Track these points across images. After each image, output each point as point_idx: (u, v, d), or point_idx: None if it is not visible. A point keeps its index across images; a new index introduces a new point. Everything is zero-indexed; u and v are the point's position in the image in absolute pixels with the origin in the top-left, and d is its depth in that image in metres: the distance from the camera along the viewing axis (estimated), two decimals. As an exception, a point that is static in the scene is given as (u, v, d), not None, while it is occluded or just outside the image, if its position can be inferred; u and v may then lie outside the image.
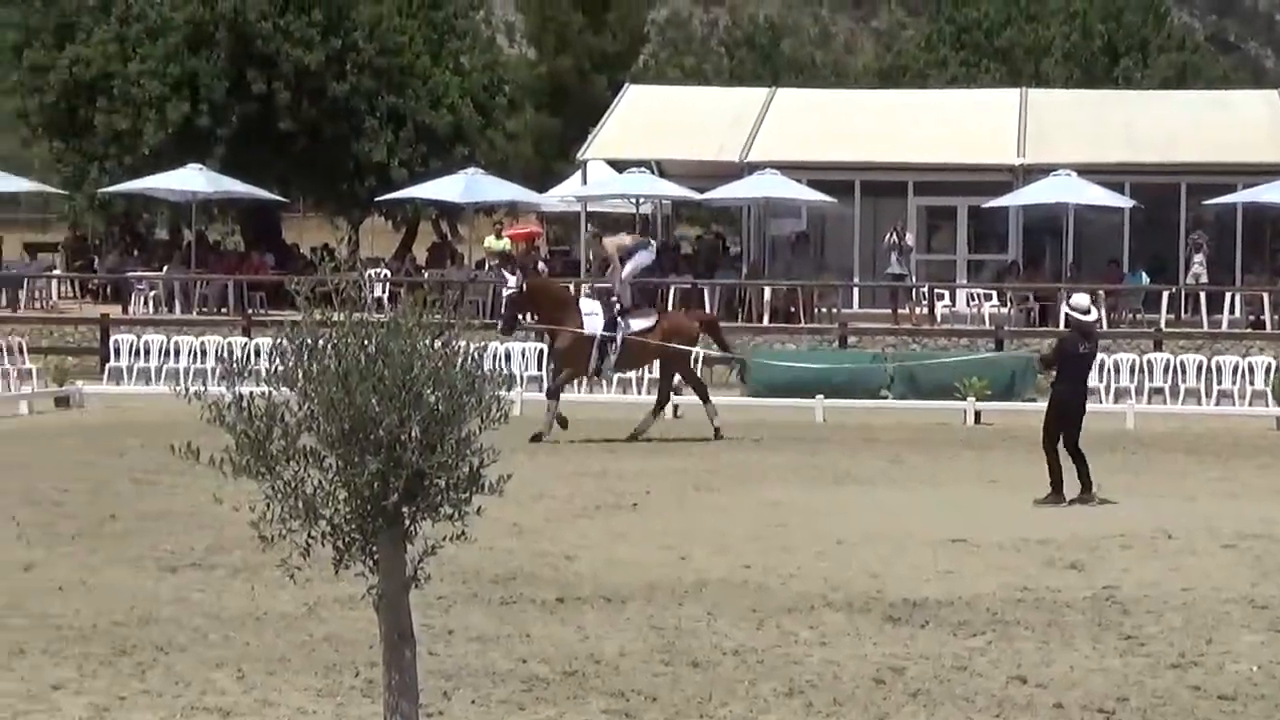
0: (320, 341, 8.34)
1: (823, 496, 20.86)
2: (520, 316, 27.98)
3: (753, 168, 43.99)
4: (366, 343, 8.30)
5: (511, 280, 27.91)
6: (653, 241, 33.01)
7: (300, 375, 8.34)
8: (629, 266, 29.02)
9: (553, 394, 27.27)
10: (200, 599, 13.57)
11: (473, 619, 12.89)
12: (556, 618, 13.07)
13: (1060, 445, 20.06)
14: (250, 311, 42.76)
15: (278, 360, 8.49)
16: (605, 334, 27.33)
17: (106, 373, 36.86)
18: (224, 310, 44.18)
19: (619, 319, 27.66)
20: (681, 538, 17.17)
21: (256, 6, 51.55)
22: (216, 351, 36.00)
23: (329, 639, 12.16)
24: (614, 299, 28.26)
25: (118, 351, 37.32)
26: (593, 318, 27.42)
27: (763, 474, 23.13)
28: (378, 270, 45.21)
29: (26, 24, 55.35)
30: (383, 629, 8.79)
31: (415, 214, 58.26)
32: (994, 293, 42.35)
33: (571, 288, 34.03)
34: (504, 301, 28.19)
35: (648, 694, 10.84)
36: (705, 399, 28.21)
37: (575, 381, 30.09)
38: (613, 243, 30.89)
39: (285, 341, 8.50)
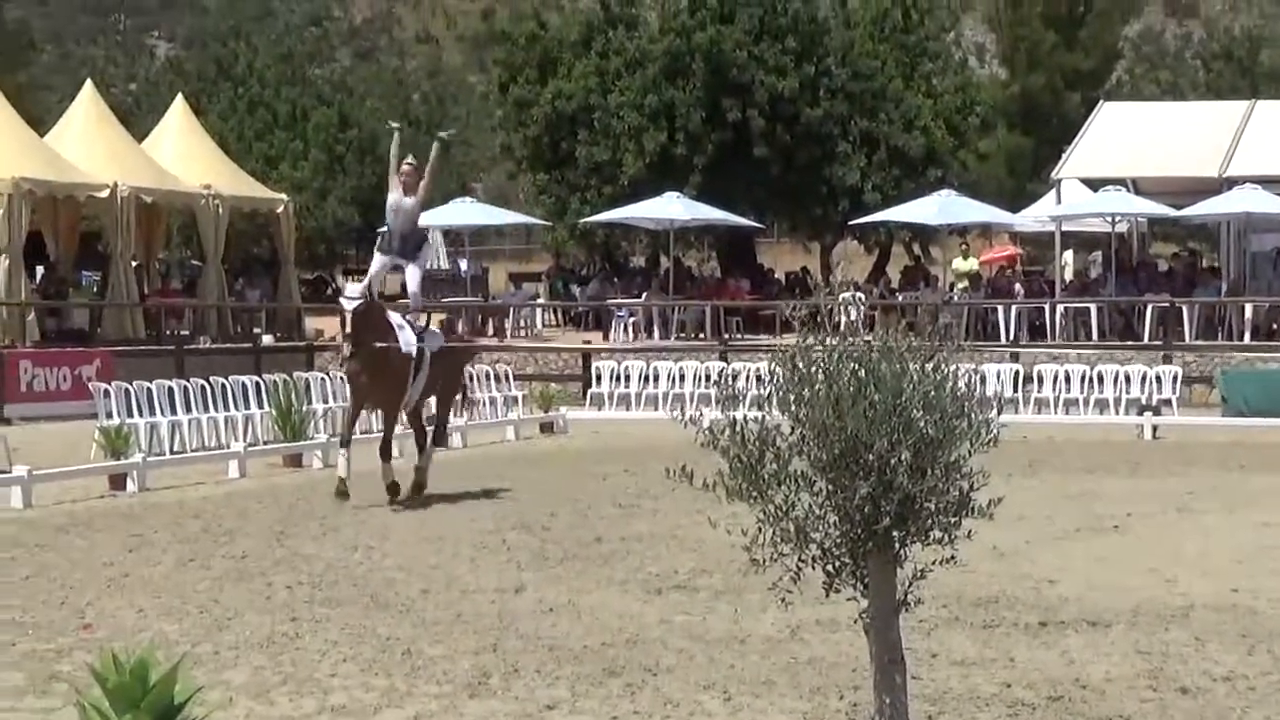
0: (812, 366, 8.51)
1: (1313, 520, 20.27)
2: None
3: (1232, 183, 42.99)
4: (857, 367, 8.44)
5: None
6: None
7: (792, 400, 8.53)
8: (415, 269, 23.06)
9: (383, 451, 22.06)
10: (684, 621, 13.75)
11: (955, 642, 12.88)
12: (1040, 641, 12.99)
13: None
14: (727, 336, 43.40)
15: (770, 385, 8.69)
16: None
17: (589, 398, 37.84)
18: (701, 335, 44.92)
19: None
20: (1165, 560, 16.90)
21: (732, 36, 52.35)
22: (695, 376, 36.71)
23: (812, 662, 12.27)
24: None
25: (599, 377, 38.29)
26: (402, 331, 22.07)
27: (1247, 496, 22.59)
28: (853, 293, 45.38)
29: (511, 62, 57.24)
30: (873, 652, 8.89)
31: (888, 236, 58.37)
32: None
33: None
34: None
35: (1136, 720, 10.75)
36: (423, 446, 22.89)
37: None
38: None
39: (777, 366, 8.70)
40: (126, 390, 27.66)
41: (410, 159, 22.75)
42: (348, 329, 20.86)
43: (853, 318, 10.34)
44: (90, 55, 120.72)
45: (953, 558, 8.70)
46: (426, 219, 55.65)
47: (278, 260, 49.04)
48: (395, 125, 23.66)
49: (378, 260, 22.71)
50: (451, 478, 24.10)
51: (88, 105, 45.37)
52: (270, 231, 50.13)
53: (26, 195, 39.67)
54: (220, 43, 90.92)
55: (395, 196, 22.33)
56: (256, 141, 71.55)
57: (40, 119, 54.70)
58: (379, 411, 23.51)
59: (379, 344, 21.33)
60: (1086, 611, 14.12)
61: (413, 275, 22.82)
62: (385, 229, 22.52)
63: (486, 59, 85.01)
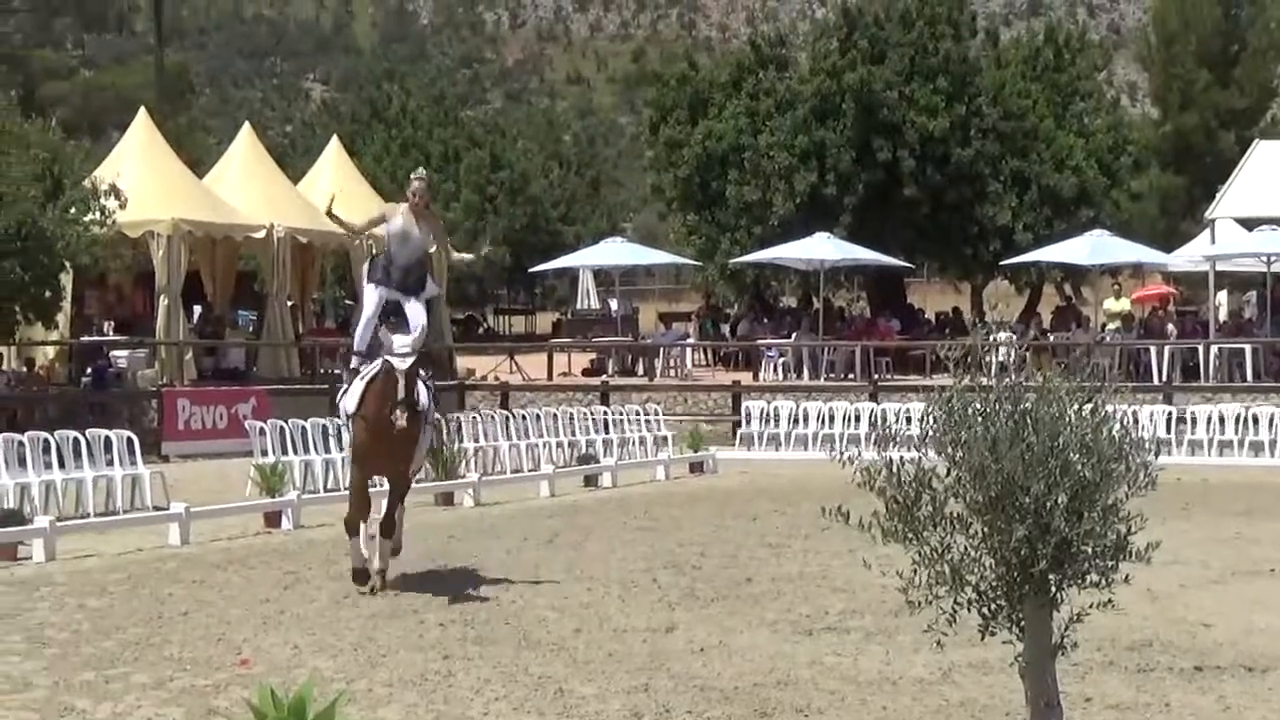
0: (968, 408, 8.53)
1: None
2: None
3: (1389, 223, 42.41)
4: (1015, 409, 8.44)
5: None
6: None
7: (948, 441, 8.54)
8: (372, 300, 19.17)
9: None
10: (835, 662, 13.73)
11: (1110, 687, 12.78)
12: (1195, 686, 12.87)
13: None
14: (876, 377, 43.29)
15: (925, 426, 8.71)
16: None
17: (738, 438, 37.85)
18: (851, 376, 44.84)
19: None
20: (1324, 606, 16.70)
21: (882, 77, 52.32)
22: (844, 417, 36.65)
23: (964, 704, 12.22)
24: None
25: (749, 418, 38.30)
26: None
27: None
28: (1007, 334, 45.20)
29: (662, 103, 57.53)
30: (1029, 695, 8.88)
31: (1039, 276, 58.02)
32: None
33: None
34: None
35: (1290, 767, 10.64)
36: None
37: None
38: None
39: (934, 407, 8.72)
40: (281, 428, 27.96)
41: (420, 172, 19.47)
42: (401, 392, 17.07)
43: (1005, 359, 10.34)
44: (248, 98, 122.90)
45: (1109, 601, 8.67)
46: (577, 259, 56.39)
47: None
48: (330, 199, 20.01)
49: (374, 295, 18.86)
50: (602, 517, 24.16)
51: (245, 147, 46.06)
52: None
53: (185, 236, 40.28)
54: (374, 85, 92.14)
55: (403, 222, 18.73)
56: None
57: (199, 160, 55.69)
58: (389, 481, 18.60)
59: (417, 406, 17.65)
60: (1243, 656, 13.97)
61: (417, 312, 18.71)
62: (382, 257, 19.21)
63: (637, 100, 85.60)
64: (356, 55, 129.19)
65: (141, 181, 39.34)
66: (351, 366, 18.69)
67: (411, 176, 19.17)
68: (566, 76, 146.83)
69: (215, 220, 41.53)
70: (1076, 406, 8.52)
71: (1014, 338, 42.16)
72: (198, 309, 45.55)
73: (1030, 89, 55.84)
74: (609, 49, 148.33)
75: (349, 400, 18.15)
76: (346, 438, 20.10)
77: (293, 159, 70.24)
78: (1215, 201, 47.88)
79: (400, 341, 17.47)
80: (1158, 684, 12.91)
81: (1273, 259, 45.69)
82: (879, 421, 10.38)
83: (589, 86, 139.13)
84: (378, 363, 17.64)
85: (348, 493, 19.27)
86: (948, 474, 8.61)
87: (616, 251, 53.46)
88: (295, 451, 27.72)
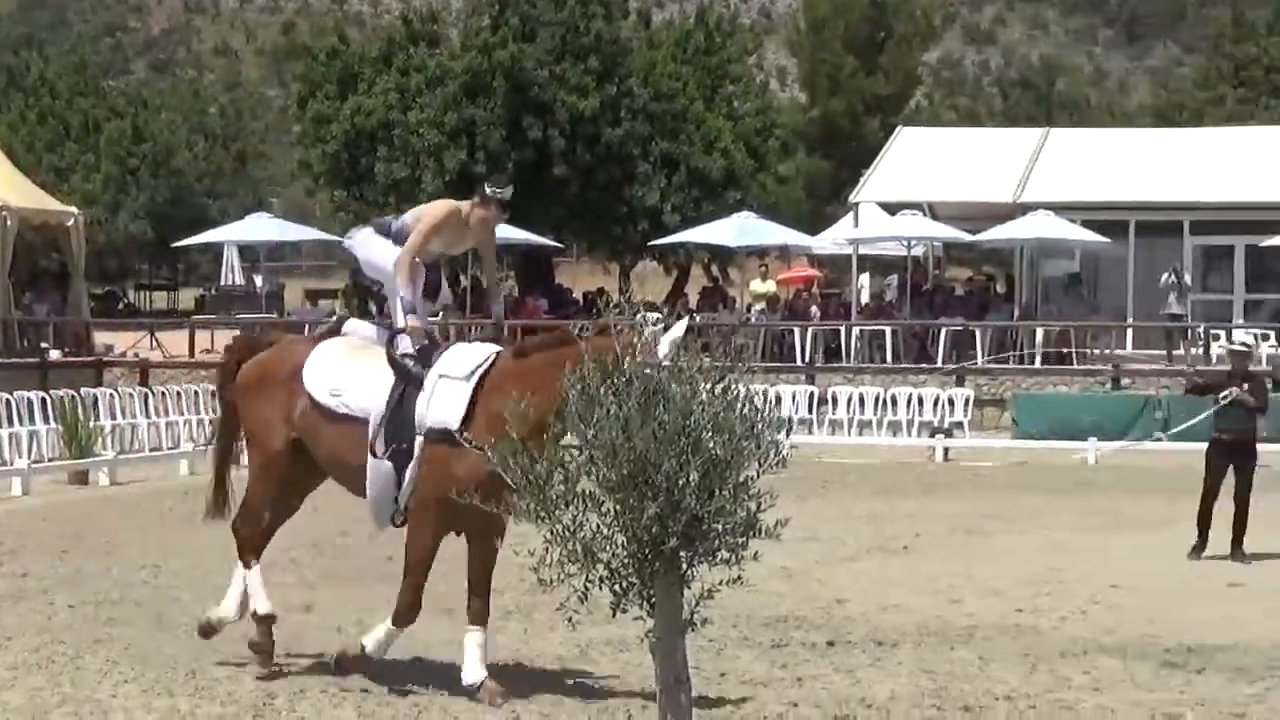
0: (601, 387, 8.51)
1: (1096, 540, 20.66)
2: None
3: (1026, 208, 43.66)
4: (646, 387, 8.43)
5: None
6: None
7: (581, 420, 8.51)
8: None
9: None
10: (475, 639, 13.70)
11: (744, 662, 12.93)
12: (828, 661, 13.09)
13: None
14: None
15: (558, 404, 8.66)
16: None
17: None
18: (499, 353, 44.73)
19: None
20: (953, 581, 17.12)
21: (533, 55, 52.35)
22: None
23: (602, 681, 12.28)
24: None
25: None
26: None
27: (1035, 518, 22.95)
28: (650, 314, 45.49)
29: (311, 77, 56.83)
30: (658, 672, 8.89)
31: (687, 258, 58.62)
32: (1272, 332, 41.45)
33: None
34: None
35: (920, 738, 10.86)
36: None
37: None
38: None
39: (566, 386, 8.69)
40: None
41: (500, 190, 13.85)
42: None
43: (648, 338, 10.36)
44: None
45: (739, 578, 8.73)
46: (222, 234, 55.39)
47: (67, 273, 48.19)
48: None
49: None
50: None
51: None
52: (60, 245, 49.26)
53: None
54: (11, 51, 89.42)
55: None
56: (47, 153, 70.41)
57: None
58: (479, 543, 12.58)
59: None
60: (874, 632, 14.26)
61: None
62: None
63: (286, 73, 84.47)
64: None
65: None
66: (406, 351, 12.43)
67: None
68: (214, 48, 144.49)
69: None
70: (709, 385, 8.55)
71: (657, 317, 42.27)
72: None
73: (681, 71, 56.32)
74: (258, 21, 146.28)
75: (445, 408, 11.95)
76: (411, 469, 12.10)
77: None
78: (859, 186, 48.87)
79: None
80: (791, 659, 13.09)
81: (913, 243, 46.77)
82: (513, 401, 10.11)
83: (237, 58, 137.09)
84: (484, 351, 12.43)
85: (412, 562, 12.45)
86: (580, 452, 8.59)
87: (263, 227, 52.60)
88: None
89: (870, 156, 52.83)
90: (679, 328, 10.94)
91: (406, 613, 12.23)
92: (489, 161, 52.11)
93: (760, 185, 57.84)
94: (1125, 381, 38.14)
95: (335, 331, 13.19)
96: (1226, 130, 55.47)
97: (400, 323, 12.58)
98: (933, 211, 46.47)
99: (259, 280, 55.54)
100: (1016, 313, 44.22)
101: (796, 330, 42.97)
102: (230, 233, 54.75)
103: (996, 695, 11.93)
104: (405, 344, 12.41)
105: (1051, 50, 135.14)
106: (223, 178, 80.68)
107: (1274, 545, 19.63)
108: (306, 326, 48.03)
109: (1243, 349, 20.49)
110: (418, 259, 12.91)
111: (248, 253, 59.32)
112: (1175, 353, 41.41)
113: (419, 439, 11.95)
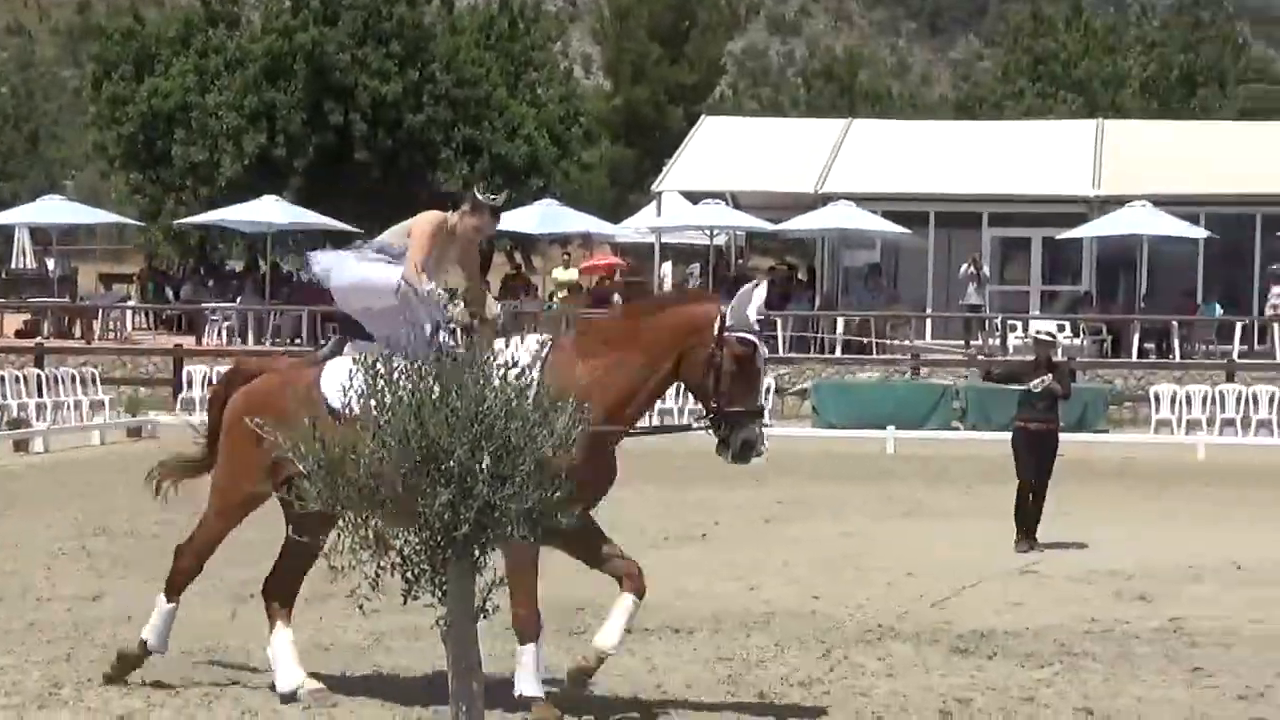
0: (394, 373, 8.43)
1: (893, 528, 20.87)
2: None
3: (827, 199, 44.05)
4: (440, 373, 8.36)
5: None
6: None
7: (374, 406, 8.42)
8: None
9: None
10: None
11: (541, 651, 12.87)
12: (624, 648, 13.06)
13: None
14: (324, 342, 42.94)
15: (351, 390, 8.58)
16: None
17: (179, 403, 37.06)
18: (298, 341, 44.36)
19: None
20: (750, 569, 17.20)
21: (335, 39, 51.93)
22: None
23: (396, 670, 12.21)
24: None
25: (190, 382, 37.52)
26: None
27: (832, 505, 23.14)
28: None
29: (106, 58, 55.95)
30: (450, 660, 8.83)
31: (489, 245, 58.43)
32: (1067, 323, 42.16)
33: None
34: None
35: (715, 726, 10.87)
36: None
37: None
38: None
39: (359, 373, 8.60)
40: None
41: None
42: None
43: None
44: None
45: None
46: (13, 216, 54.32)
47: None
48: None
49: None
50: (32, 483, 23.37)
51: None
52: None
53: None
54: None
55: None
56: None
57: None
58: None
59: None
60: (671, 618, 14.26)
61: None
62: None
63: (81, 53, 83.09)
64: None
65: None
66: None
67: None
68: (7, 27, 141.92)
69: None
70: (503, 373, 8.49)
71: (460, 304, 41.93)
72: None
73: (484, 57, 56.19)
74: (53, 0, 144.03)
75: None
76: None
77: None
78: (662, 175, 49.04)
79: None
80: (586, 646, 13.04)
81: (716, 232, 46.99)
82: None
83: (30, 38, 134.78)
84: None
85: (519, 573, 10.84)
86: (373, 439, 8.49)
87: (55, 209, 51.67)
88: None
89: (674, 145, 53.01)
90: (762, 290, 10.84)
91: (531, 629, 11.39)
92: (289, 145, 51.68)
93: (563, 173, 57.90)
94: (924, 371, 38.58)
95: (337, 353, 12.48)
96: (1025, 124, 56.39)
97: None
98: (735, 201, 46.71)
99: (51, 263, 54.49)
100: (818, 302, 44.59)
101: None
102: (21, 215, 53.68)
103: (791, 682, 11.98)
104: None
105: (855, 42, 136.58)
106: (14, 159, 79.33)
107: (1067, 534, 19.92)
108: (100, 312, 47.44)
109: (1047, 338, 20.83)
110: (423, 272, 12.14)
111: (39, 235, 58.23)
112: (973, 343, 41.99)
113: None
